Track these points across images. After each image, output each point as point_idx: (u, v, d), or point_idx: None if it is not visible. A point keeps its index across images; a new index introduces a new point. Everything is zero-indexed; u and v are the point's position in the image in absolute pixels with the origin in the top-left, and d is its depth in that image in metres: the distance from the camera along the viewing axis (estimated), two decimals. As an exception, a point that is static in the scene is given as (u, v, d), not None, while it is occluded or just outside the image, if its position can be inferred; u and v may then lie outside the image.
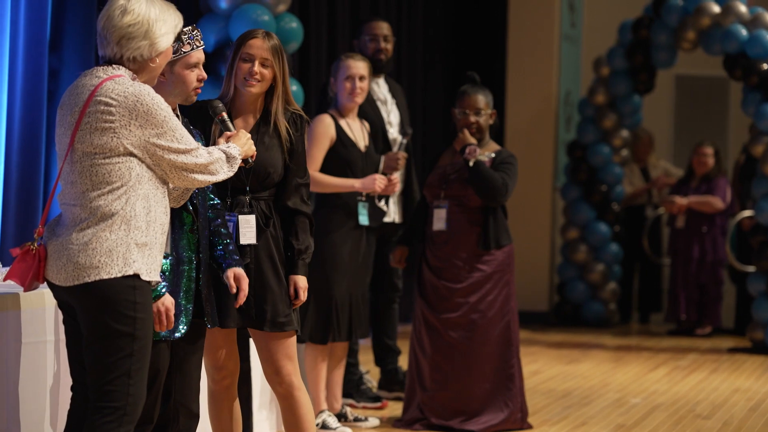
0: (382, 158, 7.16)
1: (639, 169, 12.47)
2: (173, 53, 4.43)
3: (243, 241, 5.01)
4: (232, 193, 5.06)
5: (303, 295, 5.13)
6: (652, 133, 12.67)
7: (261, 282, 5.06)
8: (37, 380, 4.65)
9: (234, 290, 4.77)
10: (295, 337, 5.15)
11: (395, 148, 7.37)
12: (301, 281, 5.12)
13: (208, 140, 4.99)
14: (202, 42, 4.57)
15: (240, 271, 4.76)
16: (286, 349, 5.10)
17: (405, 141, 7.39)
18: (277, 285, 5.07)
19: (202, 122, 5.01)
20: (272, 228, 5.10)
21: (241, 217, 5.03)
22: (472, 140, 6.78)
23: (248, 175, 5.00)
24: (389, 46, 7.71)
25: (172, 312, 4.32)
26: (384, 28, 7.75)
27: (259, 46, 5.09)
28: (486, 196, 6.73)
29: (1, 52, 5.94)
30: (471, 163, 6.72)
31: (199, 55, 4.54)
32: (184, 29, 4.47)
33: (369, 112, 7.44)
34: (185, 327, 4.52)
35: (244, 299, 4.82)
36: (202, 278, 4.65)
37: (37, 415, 4.64)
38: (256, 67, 5.06)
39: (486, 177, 6.71)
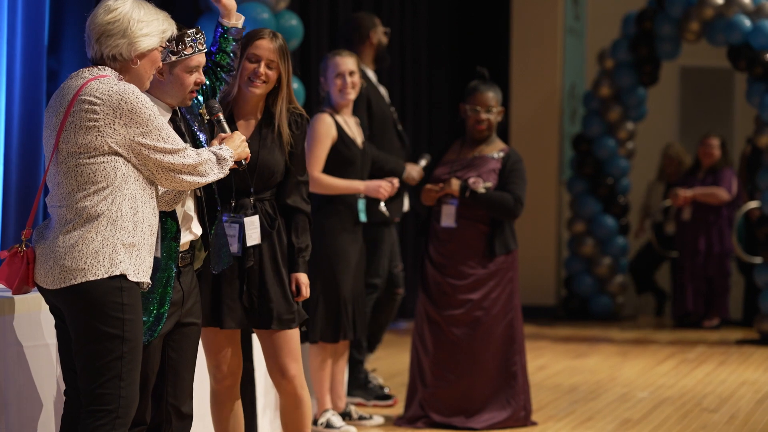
0: (412, 167, 7.18)
1: (664, 187, 12.33)
2: (174, 54, 4.42)
3: (249, 242, 5.04)
4: (237, 195, 5.08)
5: (305, 291, 5.15)
6: (683, 155, 12.49)
7: (265, 282, 5.08)
8: (31, 385, 4.62)
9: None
10: (298, 336, 5.17)
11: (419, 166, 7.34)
12: (303, 278, 5.15)
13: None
14: (204, 46, 4.53)
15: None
16: (291, 348, 5.12)
17: (425, 163, 7.32)
18: (280, 284, 5.10)
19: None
20: (277, 228, 5.12)
21: (246, 220, 5.05)
22: (455, 185, 6.71)
23: (252, 176, 5.03)
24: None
25: None
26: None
27: (265, 47, 5.09)
28: (502, 217, 6.71)
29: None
30: (481, 190, 6.66)
31: (200, 59, 4.51)
32: (188, 31, 4.46)
33: (382, 107, 7.47)
34: (155, 333, 4.45)
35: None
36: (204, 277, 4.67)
37: (32, 419, 4.62)
38: (262, 69, 5.07)
39: (497, 202, 6.67)
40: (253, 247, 5.06)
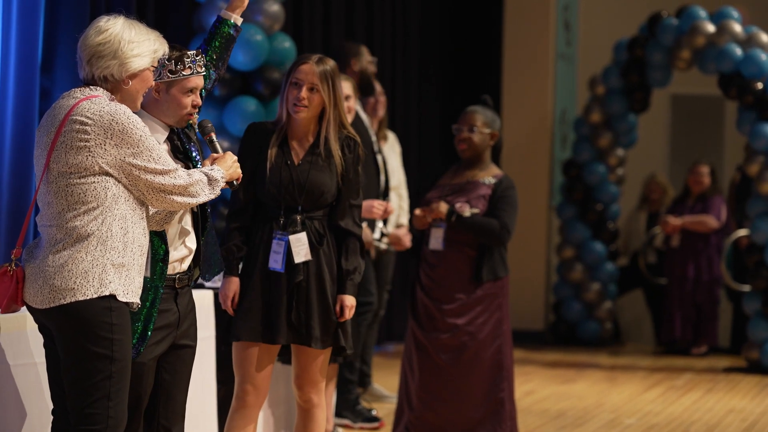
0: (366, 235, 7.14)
1: (647, 216, 12.36)
2: (172, 74, 4.44)
3: (297, 259, 5.17)
4: (286, 212, 5.20)
5: (347, 313, 5.26)
6: (667, 184, 12.53)
7: (308, 299, 5.20)
8: (19, 403, 4.62)
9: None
10: (326, 357, 5.29)
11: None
12: (348, 300, 5.26)
13: (265, 159, 5.16)
14: (203, 68, 4.56)
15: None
16: (314, 367, 5.27)
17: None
18: (321, 303, 5.22)
19: (260, 143, 5.21)
20: (325, 246, 5.24)
21: (292, 237, 5.18)
22: (443, 208, 6.69)
23: (301, 195, 5.16)
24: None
25: None
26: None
27: (307, 71, 5.20)
28: (488, 242, 6.68)
29: (-7, 73, 5.94)
30: (466, 214, 6.65)
31: (197, 81, 4.54)
32: (188, 53, 4.49)
33: (363, 135, 7.44)
34: (138, 352, 4.46)
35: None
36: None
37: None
38: (303, 93, 5.17)
39: (482, 228, 6.63)
40: (303, 263, 5.18)
